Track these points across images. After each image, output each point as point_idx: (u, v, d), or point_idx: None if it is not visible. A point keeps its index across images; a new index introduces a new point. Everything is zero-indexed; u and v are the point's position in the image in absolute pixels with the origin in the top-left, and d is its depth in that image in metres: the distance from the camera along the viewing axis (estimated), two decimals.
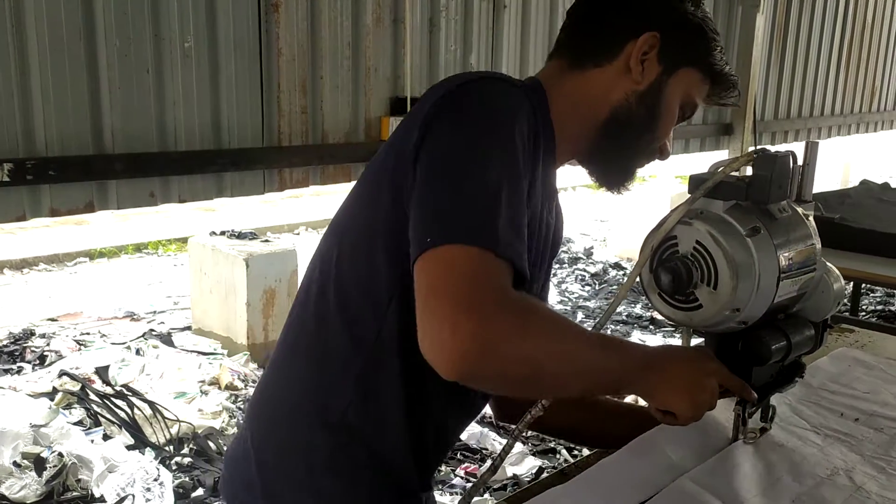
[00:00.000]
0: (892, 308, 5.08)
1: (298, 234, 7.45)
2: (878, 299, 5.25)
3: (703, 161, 7.09)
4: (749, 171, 0.96)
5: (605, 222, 6.70)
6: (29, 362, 3.70)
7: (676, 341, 1.30)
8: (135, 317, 4.65)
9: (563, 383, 0.87)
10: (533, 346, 0.81)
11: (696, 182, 0.95)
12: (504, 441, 3.12)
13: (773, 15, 5.78)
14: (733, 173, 0.95)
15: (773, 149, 0.95)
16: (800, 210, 0.98)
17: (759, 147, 0.99)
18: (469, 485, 2.82)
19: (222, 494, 1.12)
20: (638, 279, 0.98)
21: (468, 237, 0.79)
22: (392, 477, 1.02)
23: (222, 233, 4.10)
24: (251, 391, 3.45)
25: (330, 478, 0.99)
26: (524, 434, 1.12)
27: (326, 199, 9.08)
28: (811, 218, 1.00)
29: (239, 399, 3.36)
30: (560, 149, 1.02)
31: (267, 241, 4.13)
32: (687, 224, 0.93)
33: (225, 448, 3.00)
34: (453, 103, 0.90)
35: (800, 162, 0.98)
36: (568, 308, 5.22)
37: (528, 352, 0.80)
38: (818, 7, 6.23)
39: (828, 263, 1.03)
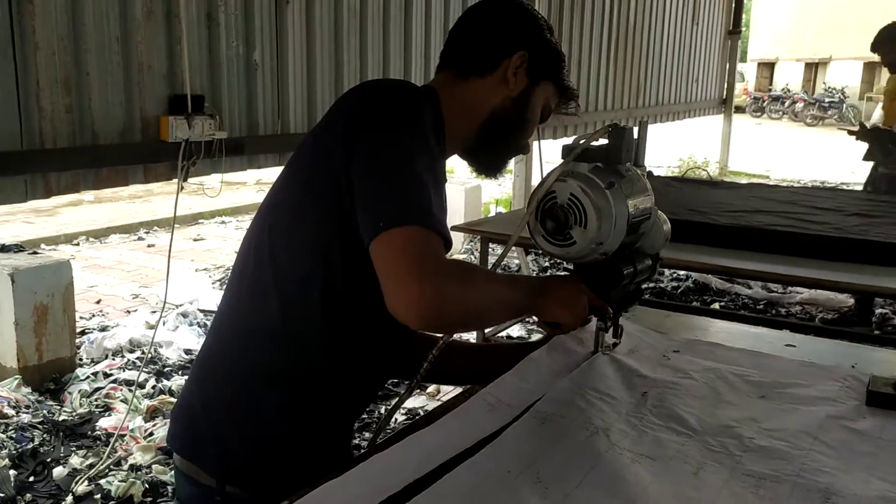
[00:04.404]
0: (662, 285, 5.59)
1: (78, 244, 6.88)
2: None
3: None
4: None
5: None
6: None
7: None
8: None
9: (493, 317, 1.25)
10: (474, 294, 1.10)
11: (567, 150, 1.24)
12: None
13: (548, 16, 6.16)
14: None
15: (621, 124, 1.26)
16: (638, 171, 1.28)
17: (611, 122, 1.28)
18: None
19: (173, 448, 1.28)
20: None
21: (413, 220, 1.03)
22: (323, 426, 1.24)
23: None
24: (24, 418, 3.14)
25: (274, 419, 1.20)
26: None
27: (108, 207, 8.48)
28: (645, 177, 1.30)
29: (10, 427, 3.04)
30: (448, 144, 1.25)
31: (35, 253, 3.77)
32: (562, 181, 1.21)
33: None
34: (376, 110, 1.13)
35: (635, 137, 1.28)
36: None
37: (472, 299, 1.09)
38: (587, 10, 6.73)
39: (658, 210, 1.33)
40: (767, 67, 30.10)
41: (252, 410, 1.20)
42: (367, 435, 3.00)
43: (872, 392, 1.29)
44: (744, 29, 14.71)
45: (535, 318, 1.31)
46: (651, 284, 5.58)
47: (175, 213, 3.28)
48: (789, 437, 1.15)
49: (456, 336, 1.32)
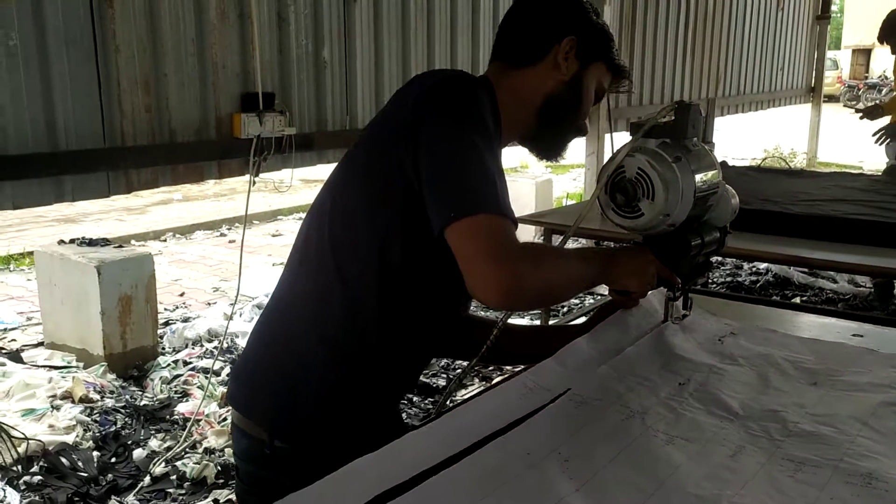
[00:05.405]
0: (740, 279, 5.42)
1: (165, 240, 7.18)
2: (728, 272, 5.61)
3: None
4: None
5: None
6: None
7: None
8: None
9: (567, 292, 1.29)
10: (546, 273, 1.15)
11: (635, 127, 1.28)
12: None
13: (621, 7, 6.06)
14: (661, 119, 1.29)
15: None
16: (706, 147, 1.32)
17: (677, 100, 1.30)
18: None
19: (231, 405, 1.37)
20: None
21: (482, 208, 1.08)
22: (368, 395, 1.30)
23: (71, 241, 3.90)
24: (109, 402, 3.31)
25: (324, 387, 1.27)
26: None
27: (195, 205, 8.82)
28: (714, 152, 1.34)
29: (95, 411, 3.21)
30: (504, 133, 1.29)
31: (120, 247, 3.96)
32: (631, 156, 1.25)
33: (79, 463, 2.87)
34: (437, 100, 1.16)
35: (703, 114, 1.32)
36: None
37: (547, 277, 1.15)
38: None
39: (726, 185, 1.37)
40: (863, 54, 28.72)
41: (303, 372, 1.27)
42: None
43: None
44: (837, 14, 14.07)
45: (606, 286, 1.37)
46: (729, 279, 5.43)
47: (247, 206, 3.40)
48: (837, 422, 1.11)
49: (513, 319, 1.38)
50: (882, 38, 4.57)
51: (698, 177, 1.26)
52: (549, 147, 1.39)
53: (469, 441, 1.06)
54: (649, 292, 1.42)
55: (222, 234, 7.43)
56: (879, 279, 4.46)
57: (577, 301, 4.86)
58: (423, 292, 1.27)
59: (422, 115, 1.16)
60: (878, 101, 6.13)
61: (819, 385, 1.26)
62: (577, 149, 6.28)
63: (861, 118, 5.00)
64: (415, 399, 3.61)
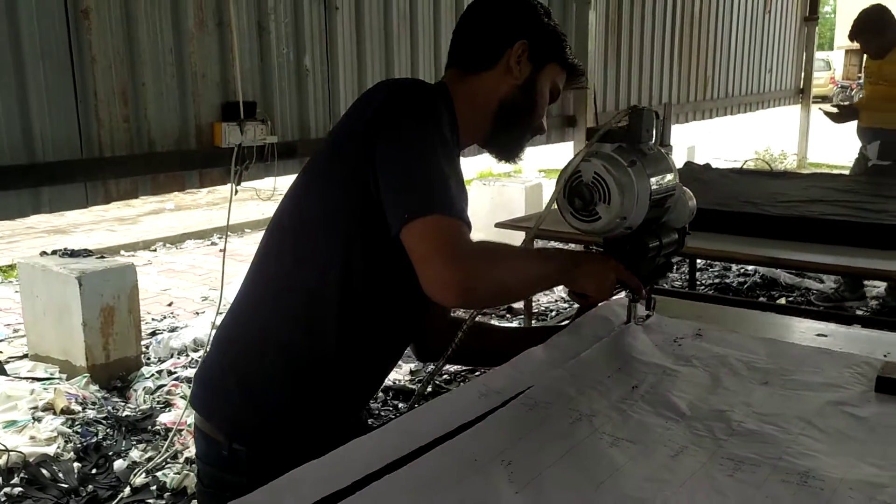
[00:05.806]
0: (728, 281, 5.43)
1: (155, 250, 7.17)
2: (716, 273, 5.61)
3: (553, 151, 7.32)
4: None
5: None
6: None
7: None
8: None
9: (524, 290, 1.29)
10: (501, 272, 1.18)
11: (591, 132, 1.31)
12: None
13: (606, 11, 6.07)
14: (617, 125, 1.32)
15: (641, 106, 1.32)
16: (663, 150, 1.35)
17: (632, 105, 1.33)
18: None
19: (193, 407, 1.38)
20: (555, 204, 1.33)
21: (435, 209, 1.10)
22: (327, 405, 1.31)
23: (53, 252, 3.90)
24: (90, 413, 3.31)
25: (280, 393, 1.28)
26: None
27: (187, 214, 8.82)
28: (671, 155, 1.38)
29: (76, 423, 3.21)
30: (462, 138, 1.33)
31: (102, 257, 3.96)
32: (587, 161, 1.27)
33: (60, 475, 2.86)
34: (395, 108, 1.19)
35: (661, 118, 1.36)
36: None
37: (499, 276, 1.17)
38: (648, 2, 6.59)
39: (683, 186, 1.40)
40: (856, 55, 28.69)
41: (261, 380, 1.29)
42: None
43: (882, 378, 1.23)
44: (830, 15, 14.07)
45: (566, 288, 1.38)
46: (717, 280, 5.43)
47: (228, 215, 3.41)
48: (781, 421, 1.12)
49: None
50: (853, 36, 4.57)
51: (653, 180, 1.28)
52: (506, 149, 1.42)
53: (417, 444, 1.06)
54: (611, 298, 1.42)
55: (213, 243, 7.41)
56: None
57: (565, 305, 4.87)
58: (384, 299, 1.28)
59: (379, 122, 1.18)
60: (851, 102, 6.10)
61: (770, 384, 1.27)
62: (567, 153, 6.26)
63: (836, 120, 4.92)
64: (401, 406, 3.61)
